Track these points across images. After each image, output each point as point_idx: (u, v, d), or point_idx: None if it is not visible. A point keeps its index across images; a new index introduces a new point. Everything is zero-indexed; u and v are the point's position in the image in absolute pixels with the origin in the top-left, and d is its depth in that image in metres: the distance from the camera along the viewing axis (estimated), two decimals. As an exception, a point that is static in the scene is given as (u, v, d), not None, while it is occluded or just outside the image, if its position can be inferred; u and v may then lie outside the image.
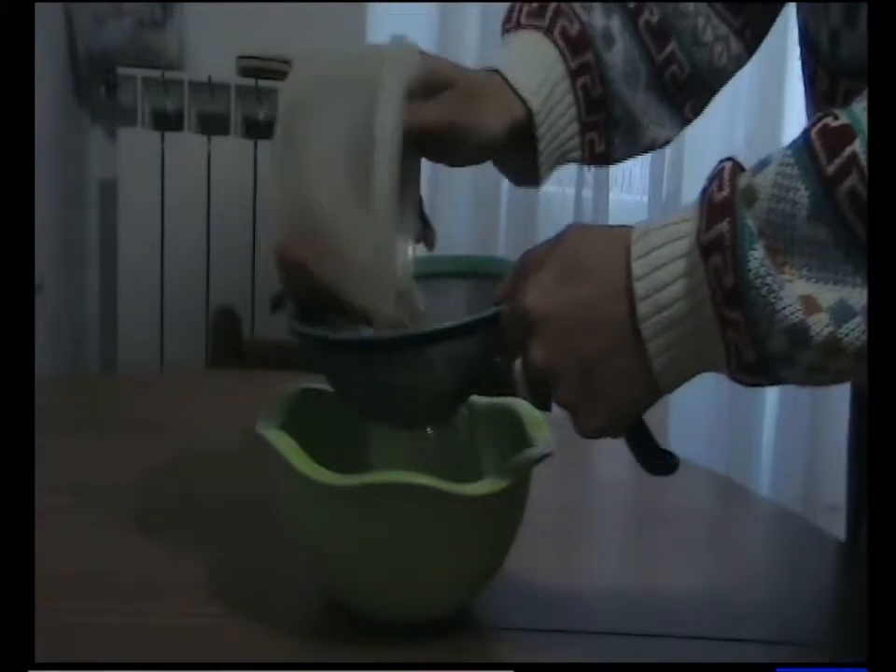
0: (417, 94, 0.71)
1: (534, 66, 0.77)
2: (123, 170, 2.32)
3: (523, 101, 0.75)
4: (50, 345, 2.22)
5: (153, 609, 0.70)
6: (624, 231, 0.58)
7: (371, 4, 2.38)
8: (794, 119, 2.40)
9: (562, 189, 2.44)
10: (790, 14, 0.82)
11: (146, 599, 0.72)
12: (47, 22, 2.19)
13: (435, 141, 0.71)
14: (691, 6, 0.81)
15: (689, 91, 0.83)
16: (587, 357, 0.58)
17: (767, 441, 2.54)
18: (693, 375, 0.58)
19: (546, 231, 2.40)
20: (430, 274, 0.76)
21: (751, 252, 0.52)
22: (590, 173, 2.35)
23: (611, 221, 2.39)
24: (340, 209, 0.67)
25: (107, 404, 1.25)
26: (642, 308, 0.56)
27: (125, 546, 0.80)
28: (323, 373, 0.71)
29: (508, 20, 0.81)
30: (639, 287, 0.56)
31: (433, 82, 0.72)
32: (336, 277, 0.67)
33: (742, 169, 0.55)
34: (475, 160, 0.75)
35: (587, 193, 2.40)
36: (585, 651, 0.70)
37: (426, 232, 0.76)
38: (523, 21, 0.79)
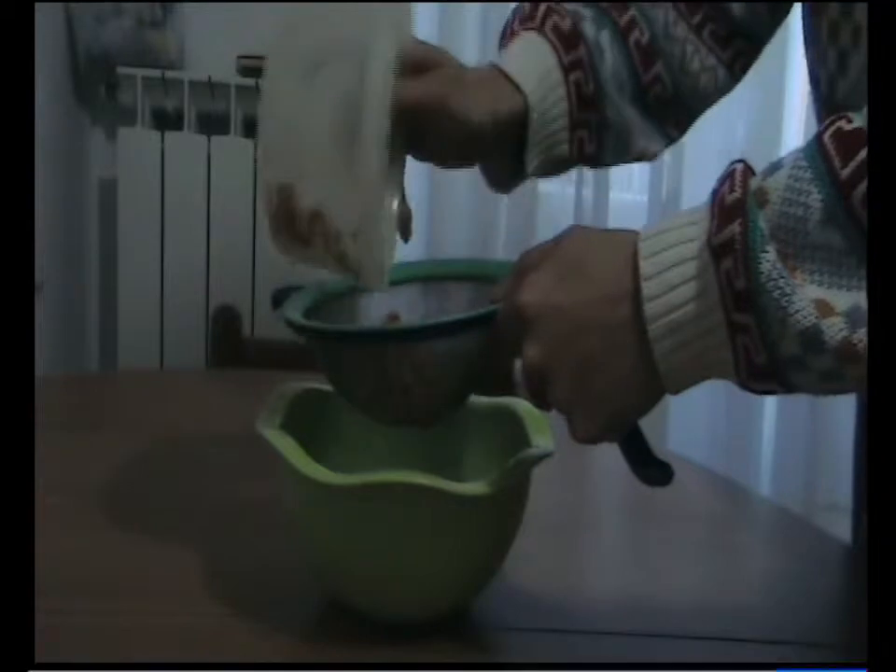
0: (408, 72, 0.70)
1: (528, 59, 0.77)
2: (123, 170, 2.32)
3: (517, 87, 0.75)
4: (50, 345, 2.22)
5: (153, 608, 0.70)
6: (628, 234, 0.57)
7: (371, 4, 2.38)
8: (794, 119, 2.40)
9: (562, 189, 2.44)
10: (791, 13, 0.82)
11: (146, 599, 0.72)
12: (47, 22, 2.19)
13: (421, 120, 0.71)
14: (680, 31, 0.80)
15: (671, 112, 0.83)
16: (584, 358, 0.57)
17: (767, 441, 2.53)
18: (699, 380, 0.57)
19: (545, 230, 2.40)
20: (431, 277, 0.76)
21: (763, 254, 0.51)
22: (590, 172, 2.35)
23: (611, 221, 2.39)
24: (328, 177, 0.66)
25: (107, 404, 1.25)
26: (650, 308, 0.55)
27: (125, 546, 0.80)
28: (322, 367, 0.71)
29: (503, 35, 0.81)
30: (647, 287, 0.55)
31: (424, 62, 0.72)
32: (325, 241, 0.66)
33: (753, 171, 0.54)
34: (458, 150, 0.74)
35: (587, 192, 2.40)
36: (585, 651, 0.70)
37: (405, 224, 0.75)
38: (516, 28, 0.80)
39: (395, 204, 0.73)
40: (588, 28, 0.79)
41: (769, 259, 0.51)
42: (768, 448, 2.54)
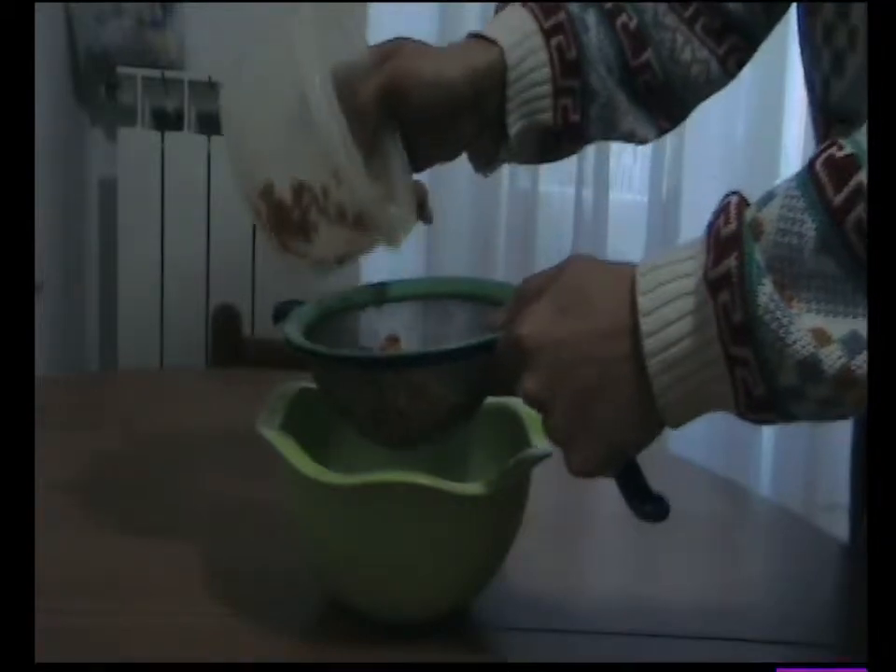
0: (372, 65, 0.72)
1: (506, 22, 0.78)
2: (123, 170, 2.32)
3: (492, 42, 0.75)
4: (50, 345, 2.22)
5: (153, 609, 0.70)
6: (627, 267, 0.57)
7: (371, 4, 2.38)
8: (794, 119, 2.40)
9: (562, 189, 2.43)
10: (790, 12, 0.82)
11: (146, 599, 0.72)
12: (47, 22, 2.19)
13: (400, 98, 0.72)
14: (670, 20, 0.80)
15: (662, 101, 0.82)
16: (582, 391, 0.57)
17: (767, 441, 2.53)
18: (698, 414, 0.57)
19: (546, 231, 2.40)
20: (430, 295, 0.76)
21: (760, 287, 0.51)
22: (590, 172, 2.35)
23: (611, 221, 2.39)
24: (294, 150, 0.67)
25: (107, 404, 1.25)
26: (649, 344, 0.54)
27: (125, 546, 0.80)
28: (319, 386, 0.71)
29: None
30: (646, 323, 0.55)
31: (387, 50, 0.74)
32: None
33: (747, 203, 0.54)
34: (445, 118, 0.75)
35: (587, 193, 2.40)
36: (585, 650, 0.70)
37: (422, 211, 0.76)
38: (499, 10, 0.80)
39: (406, 178, 0.74)
40: (573, 7, 0.79)
41: (766, 291, 0.51)
42: (768, 448, 2.54)
